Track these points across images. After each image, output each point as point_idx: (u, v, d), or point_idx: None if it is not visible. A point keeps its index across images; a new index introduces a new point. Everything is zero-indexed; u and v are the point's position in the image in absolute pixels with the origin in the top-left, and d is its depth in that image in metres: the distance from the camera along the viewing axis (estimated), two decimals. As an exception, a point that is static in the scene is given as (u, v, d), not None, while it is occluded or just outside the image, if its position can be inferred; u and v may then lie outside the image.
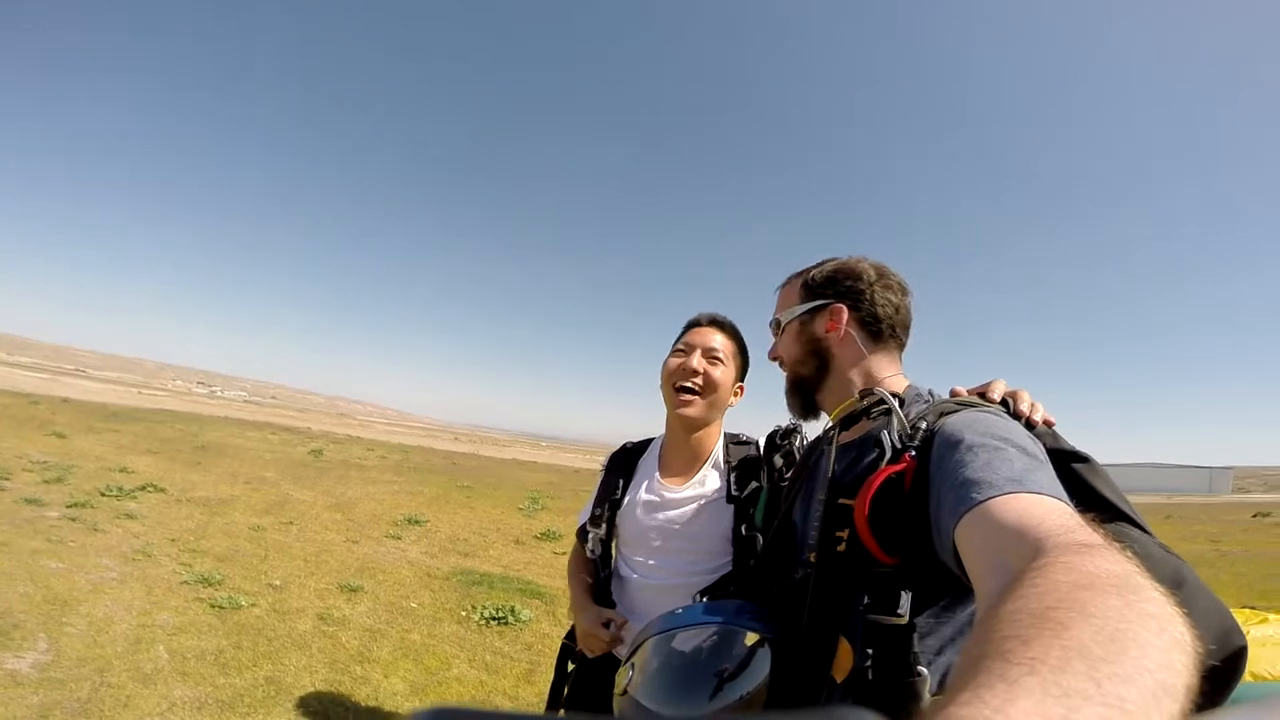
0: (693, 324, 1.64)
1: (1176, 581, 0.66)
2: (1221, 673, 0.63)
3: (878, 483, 0.83)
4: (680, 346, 1.59)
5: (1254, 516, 19.72)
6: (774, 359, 1.25)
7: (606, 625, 1.46)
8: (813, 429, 1.40)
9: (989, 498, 0.64)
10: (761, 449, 1.58)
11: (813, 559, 0.96)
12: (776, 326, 1.23)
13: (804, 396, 1.17)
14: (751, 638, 0.96)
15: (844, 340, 1.10)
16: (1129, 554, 0.46)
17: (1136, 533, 0.74)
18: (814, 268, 1.18)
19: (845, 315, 1.10)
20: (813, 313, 1.14)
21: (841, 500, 0.93)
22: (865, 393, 1.03)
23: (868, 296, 1.10)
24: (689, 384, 1.54)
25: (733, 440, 1.63)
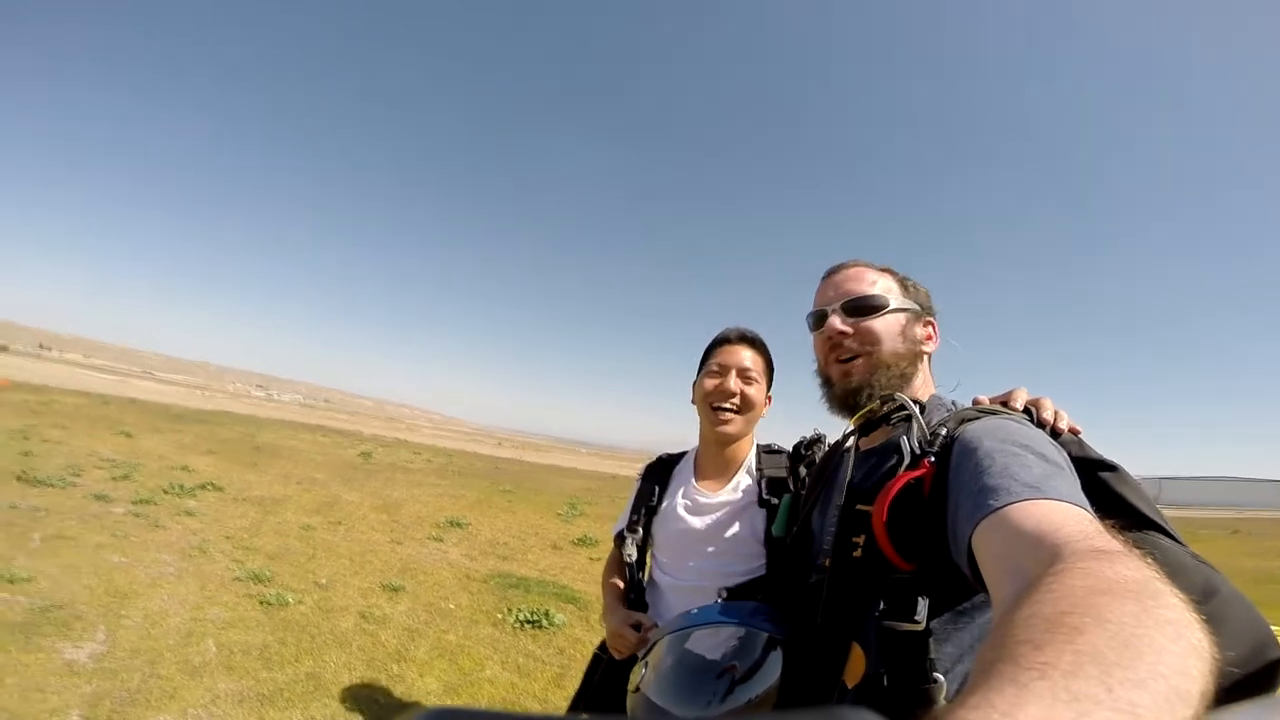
0: (722, 340, 1.65)
1: (1208, 591, 0.65)
2: (1255, 684, 0.61)
3: (896, 488, 0.82)
4: (715, 367, 1.61)
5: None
6: (844, 333, 1.06)
7: (636, 628, 1.47)
8: (833, 436, 1.39)
9: (1006, 504, 0.64)
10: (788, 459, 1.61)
11: (827, 564, 0.95)
12: (861, 308, 1.07)
13: (869, 389, 1.03)
14: (766, 641, 0.96)
15: (928, 357, 1.12)
16: (1149, 560, 0.46)
17: (1167, 542, 0.73)
18: (891, 271, 1.14)
19: (936, 336, 1.13)
20: (913, 315, 1.10)
21: (859, 506, 0.93)
22: (885, 398, 1.01)
23: (938, 328, 1.13)
24: (727, 405, 1.57)
25: (765, 450, 1.66)
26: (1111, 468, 0.81)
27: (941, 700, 0.75)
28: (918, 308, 1.10)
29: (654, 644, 1.08)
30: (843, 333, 1.06)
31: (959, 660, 0.80)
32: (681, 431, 1.86)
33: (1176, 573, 0.51)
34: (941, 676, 0.76)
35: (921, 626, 0.77)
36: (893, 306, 1.06)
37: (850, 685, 0.85)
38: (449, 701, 3.27)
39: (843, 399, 1.07)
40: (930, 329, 1.12)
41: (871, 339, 1.05)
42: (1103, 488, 0.79)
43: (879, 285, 1.09)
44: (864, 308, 1.06)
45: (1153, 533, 0.74)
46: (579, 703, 1.70)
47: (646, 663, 1.05)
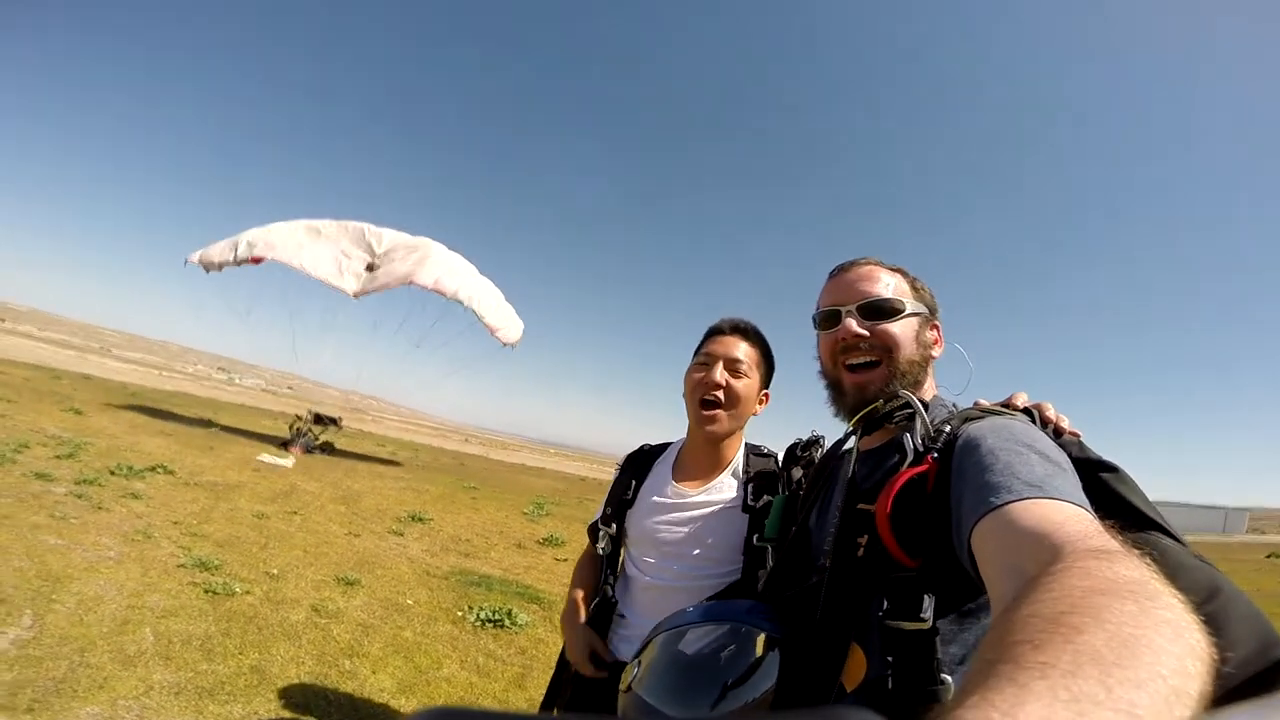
0: (714, 331, 1.60)
1: (1211, 590, 0.64)
2: (1261, 684, 0.59)
3: (900, 484, 0.82)
4: (702, 358, 1.55)
5: (1267, 557, 19.27)
6: (861, 336, 1.03)
7: (597, 661, 1.48)
8: (831, 438, 1.37)
9: (1007, 502, 0.64)
10: (780, 462, 1.56)
11: (828, 564, 0.93)
12: (879, 310, 1.03)
13: (887, 392, 1.00)
14: (763, 640, 0.93)
15: (933, 360, 1.11)
16: (1148, 560, 0.46)
17: (1168, 541, 0.73)
18: (903, 271, 1.13)
19: (942, 340, 1.13)
20: (924, 319, 1.10)
21: (860, 506, 0.91)
22: (889, 396, 1.01)
23: (942, 330, 1.13)
24: (711, 397, 1.51)
25: (754, 451, 1.61)
26: (1112, 469, 0.82)
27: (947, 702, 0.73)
28: (927, 311, 1.10)
29: (648, 643, 1.03)
30: (859, 335, 1.03)
31: (963, 661, 0.79)
32: (658, 436, 1.78)
33: (1178, 572, 0.50)
34: (949, 678, 0.74)
35: (928, 625, 0.75)
36: (908, 311, 1.04)
37: (850, 688, 0.83)
38: (403, 701, 3.13)
39: (854, 410, 1.04)
40: (937, 332, 1.12)
41: (889, 343, 1.02)
42: (1103, 488, 0.79)
43: (893, 287, 1.06)
44: (881, 310, 1.03)
45: (1154, 533, 0.74)
46: (551, 694, 1.66)
47: (639, 660, 1.01)
